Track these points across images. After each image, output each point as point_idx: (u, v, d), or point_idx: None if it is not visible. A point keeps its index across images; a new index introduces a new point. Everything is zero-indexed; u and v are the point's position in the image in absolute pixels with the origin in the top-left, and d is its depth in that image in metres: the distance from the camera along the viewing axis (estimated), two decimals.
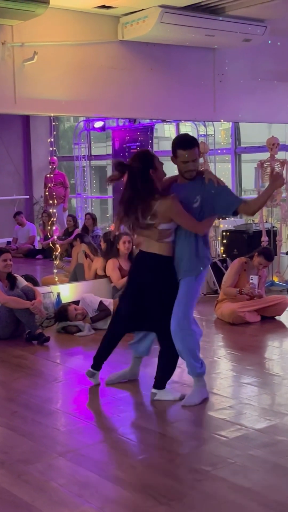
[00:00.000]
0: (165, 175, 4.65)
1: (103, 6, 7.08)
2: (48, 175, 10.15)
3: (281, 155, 9.11)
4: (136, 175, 4.48)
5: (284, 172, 8.78)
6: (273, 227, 9.21)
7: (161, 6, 6.92)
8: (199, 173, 4.58)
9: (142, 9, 7.13)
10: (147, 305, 4.65)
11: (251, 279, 6.92)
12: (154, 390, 4.69)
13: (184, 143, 4.52)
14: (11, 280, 6.53)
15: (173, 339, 4.53)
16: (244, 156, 11.68)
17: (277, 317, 7.17)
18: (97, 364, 4.98)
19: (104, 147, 12.74)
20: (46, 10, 6.33)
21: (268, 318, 7.10)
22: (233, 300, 7.02)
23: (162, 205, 4.43)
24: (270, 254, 7.09)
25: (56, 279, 7.65)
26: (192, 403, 4.53)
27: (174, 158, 4.57)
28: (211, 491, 3.33)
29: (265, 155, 8.95)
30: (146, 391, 4.85)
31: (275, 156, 8.79)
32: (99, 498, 3.27)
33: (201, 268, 4.58)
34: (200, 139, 9.21)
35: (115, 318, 5.02)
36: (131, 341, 5.03)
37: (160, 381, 4.71)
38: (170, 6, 6.97)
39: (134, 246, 7.67)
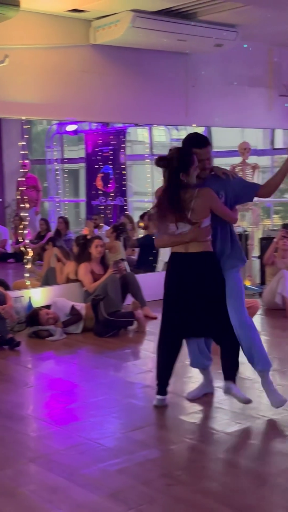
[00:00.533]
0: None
1: (75, 10, 7.08)
2: (20, 178, 10.08)
3: (253, 159, 9.17)
4: (178, 169, 4.32)
5: (255, 177, 8.85)
6: (245, 231, 9.26)
7: (133, 11, 6.95)
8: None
9: (114, 13, 7.14)
10: (200, 307, 4.44)
11: None
12: (229, 384, 4.47)
13: (198, 142, 4.46)
14: None
15: (238, 336, 4.43)
16: (216, 161, 11.68)
17: None
18: (163, 388, 4.60)
19: (76, 151, 12.71)
20: (17, 13, 6.31)
21: None
22: None
23: (200, 197, 4.33)
24: None
25: (28, 283, 7.61)
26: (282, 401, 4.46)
27: None
28: (181, 495, 3.33)
29: (237, 160, 9.01)
30: (117, 395, 4.84)
31: (247, 160, 8.85)
32: (69, 503, 3.26)
33: (242, 262, 4.62)
34: (173, 143, 9.23)
35: (165, 332, 4.59)
36: (190, 362, 4.90)
37: (234, 373, 4.52)
38: (142, 10, 6.99)
39: (106, 250, 7.68)
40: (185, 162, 4.28)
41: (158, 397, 4.56)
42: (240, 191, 4.56)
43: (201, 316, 4.46)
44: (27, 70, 7.15)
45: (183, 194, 4.30)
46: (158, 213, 4.39)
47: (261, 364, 4.48)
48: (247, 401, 4.47)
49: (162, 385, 4.57)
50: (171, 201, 4.29)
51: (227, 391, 4.49)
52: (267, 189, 4.63)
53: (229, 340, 4.46)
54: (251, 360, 4.49)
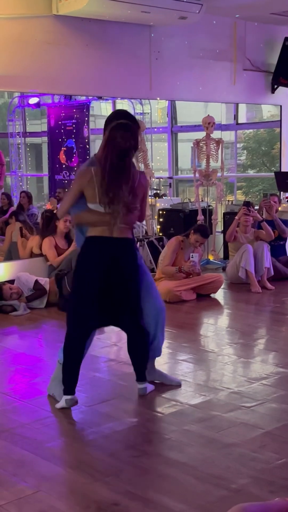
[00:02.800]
0: None
1: None
2: None
3: (216, 134, 9.17)
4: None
5: (219, 151, 8.85)
6: (209, 206, 9.29)
7: None
8: None
9: None
10: (120, 296, 4.10)
11: (192, 257, 6.95)
12: (142, 385, 4.31)
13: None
14: None
15: (151, 322, 4.30)
16: (181, 135, 11.73)
17: (212, 295, 7.26)
18: (71, 388, 4.15)
19: (39, 124, 12.55)
20: None
21: (203, 296, 7.18)
22: (170, 279, 7.06)
23: (142, 181, 4.12)
24: (205, 231, 7.15)
25: None
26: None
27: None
28: (147, 466, 3.36)
29: (201, 134, 9.00)
30: (82, 369, 4.83)
31: (211, 135, 8.84)
32: (34, 476, 3.26)
33: None
34: (137, 117, 9.17)
35: (74, 321, 4.14)
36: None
37: (144, 372, 4.33)
38: None
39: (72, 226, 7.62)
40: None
41: (69, 397, 4.11)
42: None
43: (116, 305, 4.13)
44: None
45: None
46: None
47: (158, 351, 4.47)
48: (179, 383, 4.50)
49: (74, 383, 4.15)
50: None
51: (143, 392, 4.31)
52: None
53: (140, 329, 4.23)
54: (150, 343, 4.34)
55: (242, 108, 12.22)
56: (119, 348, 5.43)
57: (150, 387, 4.36)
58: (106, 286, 4.06)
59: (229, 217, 8.99)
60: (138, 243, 8.20)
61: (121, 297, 4.13)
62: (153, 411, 4.05)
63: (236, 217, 7.87)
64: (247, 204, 7.96)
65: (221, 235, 9.29)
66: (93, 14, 7.51)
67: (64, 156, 11.11)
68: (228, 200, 10.50)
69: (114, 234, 4.05)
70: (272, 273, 7.72)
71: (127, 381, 4.56)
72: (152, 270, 8.23)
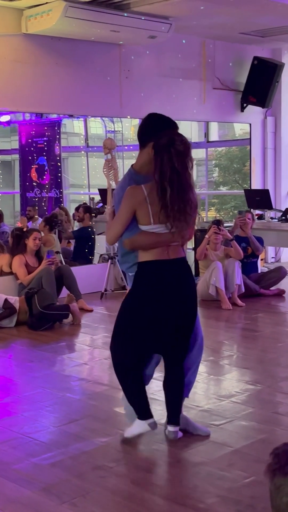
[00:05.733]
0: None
1: None
2: None
3: None
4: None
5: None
6: None
7: (65, 0, 6.87)
8: None
9: (46, 2, 7.05)
10: (179, 323, 3.74)
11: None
12: (174, 428, 3.86)
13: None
14: None
15: (193, 359, 3.96)
16: None
17: None
18: (146, 412, 3.84)
19: (9, 142, 12.52)
20: None
21: None
22: None
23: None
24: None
25: None
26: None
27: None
28: (115, 487, 3.33)
29: None
30: (52, 389, 4.80)
31: None
32: (1, 499, 3.21)
33: None
34: (108, 135, 9.20)
35: (126, 347, 3.77)
36: None
37: (179, 415, 3.90)
38: (74, 0, 6.91)
39: (42, 244, 7.59)
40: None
41: (149, 421, 3.82)
42: None
43: (169, 334, 3.74)
44: None
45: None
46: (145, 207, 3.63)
47: (187, 392, 4.03)
48: (208, 433, 3.98)
49: (147, 406, 3.84)
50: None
51: (174, 436, 3.86)
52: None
53: (182, 366, 3.86)
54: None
55: (214, 125, 12.33)
56: (91, 367, 5.40)
57: (180, 434, 3.89)
58: (165, 314, 3.69)
59: (200, 233, 9.02)
60: (109, 260, 8.19)
61: (180, 325, 3.73)
62: (122, 430, 4.02)
63: (207, 236, 7.90)
64: (217, 222, 8.00)
65: (192, 252, 9.31)
66: (63, 33, 7.54)
67: (35, 174, 11.10)
68: (199, 217, 10.53)
69: (171, 255, 3.69)
70: (243, 290, 7.75)
71: (97, 401, 4.54)
72: (124, 288, 8.23)
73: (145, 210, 3.60)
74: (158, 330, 3.71)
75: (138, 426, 3.82)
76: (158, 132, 3.62)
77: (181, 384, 3.85)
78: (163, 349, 3.79)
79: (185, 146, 3.58)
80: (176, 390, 3.85)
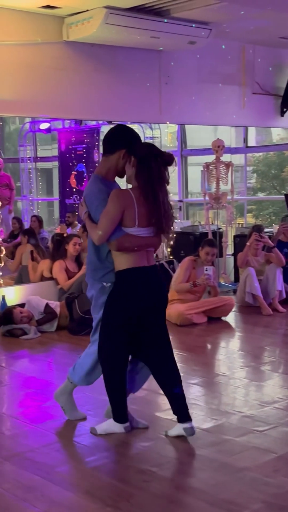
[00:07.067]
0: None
1: (48, 6, 7.03)
2: None
3: (226, 157, 9.20)
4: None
5: (229, 174, 8.88)
6: (219, 228, 9.28)
7: (106, 7, 6.90)
8: None
9: (87, 10, 7.10)
10: (156, 329, 3.97)
11: (206, 270, 6.91)
12: (188, 425, 3.94)
13: None
14: None
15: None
16: (190, 159, 11.77)
17: (223, 318, 7.22)
18: (122, 415, 4.02)
19: (50, 149, 12.66)
20: None
21: (214, 319, 7.15)
22: (181, 302, 7.04)
23: None
24: (211, 241, 7.21)
25: (1, 282, 7.53)
26: None
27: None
28: (158, 491, 3.31)
29: (211, 158, 9.02)
30: (92, 393, 4.81)
31: (221, 158, 8.87)
32: (44, 501, 3.22)
33: None
34: (147, 141, 9.22)
35: (110, 350, 3.94)
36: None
37: (188, 410, 4.00)
38: (115, 7, 6.96)
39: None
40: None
41: (125, 425, 4.01)
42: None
43: (149, 338, 3.97)
44: (0, 67, 7.08)
45: None
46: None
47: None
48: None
49: (124, 411, 4.03)
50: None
51: (191, 433, 3.94)
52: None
53: (175, 364, 4.01)
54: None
55: (251, 131, 12.26)
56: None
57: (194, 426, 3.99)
58: (142, 322, 3.89)
59: (239, 239, 8.97)
60: None
61: (157, 331, 3.96)
62: (164, 435, 4.01)
63: (248, 243, 7.84)
64: (258, 230, 7.93)
65: (232, 258, 9.27)
66: (103, 40, 7.59)
67: (74, 180, 11.18)
68: (238, 223, 10.49)
69: (150, 262, 3.90)
70: (284, 296, 7.68)
71: (138, 405, 4.52)
72: None
73: (132, 213, 3.77)
74: (142, 331, 3.91)
75: (115, 427, 3.99)
76: (128, 142, 3.89)
77: (180, 381, 3.99)
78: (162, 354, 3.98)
79: (171, 157, 3.85)
80: (175, 387, 3.99)
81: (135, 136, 4.00)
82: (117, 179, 4.09)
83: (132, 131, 4.03)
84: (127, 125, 4.26)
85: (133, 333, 3.92)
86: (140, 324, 3.90)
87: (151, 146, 3.94)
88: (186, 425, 3.92)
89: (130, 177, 3.91)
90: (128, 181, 3.96)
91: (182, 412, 3.96)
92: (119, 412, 4.00)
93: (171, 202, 3.92)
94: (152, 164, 3.78)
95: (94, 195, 3.91)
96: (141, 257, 3.84)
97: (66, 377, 4.28)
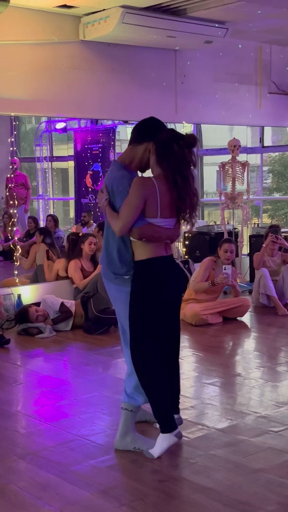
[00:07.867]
0: None
1: (64, 6, 7.04)
2: (9, 176, 10.05)
3: (242, 157, 9.17)
4: None
5: (245, 174, 8.85)
6: (235, 228, 9.26)
7: (122, 7, 6.91)
8: None
9: (104, 9, 7.10)
10: (175, 320, 3.93)
11: (224, 269, 6.89)
12: (178, 415, 3.94)
13: None
14: None
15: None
16: (206, 159, 11.74)
17: (238, 318, 7.20)
18: (171, 423, 3.70)
19: (65, 149, 12.67)
20: (6, 9, 6.26)
21: (230, 319, 7.13)
22: (197, 302, 7.03)
23: None
24: (228, 239, 7.20)
25: (17, 281, 7.56)
26: None
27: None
28: (173, 491, 3.31)
29: (227, 157, 9.00)
30: (107, 392, 4.81)
31: (237, 158, 8.84)
32: (59, 500, 3.23)
33: None
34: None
35: (152, 350, 3.74)
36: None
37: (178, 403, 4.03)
38: (131, 6, 6.95)
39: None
40: None
41: (175, 432, 3.67)
42: None
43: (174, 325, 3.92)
44: (16, 66, 7.10)
45: None
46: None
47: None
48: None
49: (169, 417, 3.72)
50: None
51: (180, 422, 3.93)
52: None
53: (178, 357, 4.03)
54: None
55: (267, 131, 12.20)
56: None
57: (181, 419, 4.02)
58: (170, 309, 3.82)
59: (255, 239, 8.94)
60: None
61: (177, 317, 3.92)
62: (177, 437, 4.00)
63: (264, 245, 7.81)
64: (275, 231, 7.90)
65: (247, 258, 9.24)
66: (119, 39, 7.59)
67: (90, 180, 11.19)
68: (254, 223, 10.46)
69: (167, 252, 3.77)
70: None
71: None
72: None
73: (154, 202, 3.61)
74: (170, 322, 3.82)
75: (165, 441, 3.65)
76: (158, 134, 3.71)
77: (179, 374, 3.98)
78: (175, 341, 3.91)
79: (194, 138, 3.66)
80: (179, 383, 4.00)
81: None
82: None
83: (164, 126, 3.84)
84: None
85: (164, 323, 3.78)
86: (166, 311, 3.77)
87: (171, 130, 3.79)
88: (175, 416, 3.82)
89: (152, 166, 3.74)
90: (152, 172, 3.79)
91: (173, 402, 3.91)
92: (164, 421, 3.67)
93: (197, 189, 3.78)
94: (174, 147, 3.61)
95: (116, 181, 3.71)
96: (160, 247, 3.72)
97: (122, 412, 3.87)
